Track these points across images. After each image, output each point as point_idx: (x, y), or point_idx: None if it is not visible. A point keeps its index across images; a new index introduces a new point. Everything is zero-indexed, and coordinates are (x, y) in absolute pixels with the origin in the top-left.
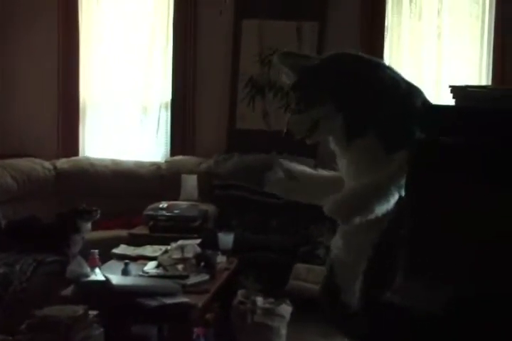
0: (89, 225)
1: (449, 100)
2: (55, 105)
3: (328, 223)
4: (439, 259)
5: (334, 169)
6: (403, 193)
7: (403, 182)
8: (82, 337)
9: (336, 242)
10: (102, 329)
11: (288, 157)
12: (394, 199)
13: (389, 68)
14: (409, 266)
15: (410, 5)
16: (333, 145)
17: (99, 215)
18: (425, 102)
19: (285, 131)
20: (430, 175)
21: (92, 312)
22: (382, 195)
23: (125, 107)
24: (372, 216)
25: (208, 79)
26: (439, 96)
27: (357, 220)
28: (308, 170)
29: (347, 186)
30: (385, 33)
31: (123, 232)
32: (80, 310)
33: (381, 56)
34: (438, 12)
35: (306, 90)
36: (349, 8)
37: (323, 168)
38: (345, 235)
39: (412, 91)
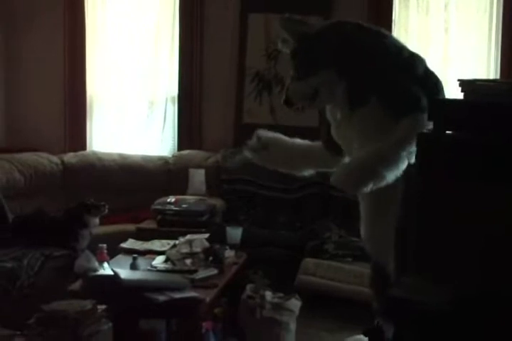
0: (96, 220)
1: (456, 94)
2: (62, 100)
3: (335, 218)
4: (445, 254)
5: None
6: (412, 160)
7: (413, 148)
8: (91, 332)
9: (363, 223)
10: (110, 324)
11: None
12: (404, 164)
13: (390, 36)
14: (416, 260)
15: None
16: (329, 115)
17: (107, 210)
18: (427, 70)
19: (284, 98)
20: (437, 171)
21: (101, 307)
22: (391, 160)
23: (132, 102)
24: (383, 183)
25: (214, 74)
26: (446, 90)
27: (367, 189)
28: (283, 138)
29: (354, 155)
30: (393, 27)
31: (131, 227)
32: (88, 304)
33: None
34: (445, 6)
35: (306, 56)
36: (355, 1)
37: None
38: (367, 211)
39: (414, 59)
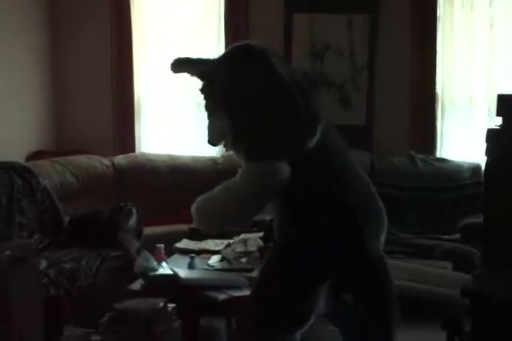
0: (132, 222)
1: (503, 90)
2: (110, 102)
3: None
4: None
5: (390, 162)
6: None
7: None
8: (163, 330)
9: None
10: (180, 322)
11: None
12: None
13: (281, 67)
14: (488, 253)
15: None
16: None
17: (137, 213)
18: (310, 106)
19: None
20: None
21: (171, 305)
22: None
23: (180, 103)
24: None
25: None
26: (492, 86)
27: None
28: None
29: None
30: (437, 24)
31: (183, 227)
32: (159, 302)
33: (433, 47)
34: (490, 2)
35: (205, 96)
36: None
37: (380, 161)
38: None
39: (294, 91)
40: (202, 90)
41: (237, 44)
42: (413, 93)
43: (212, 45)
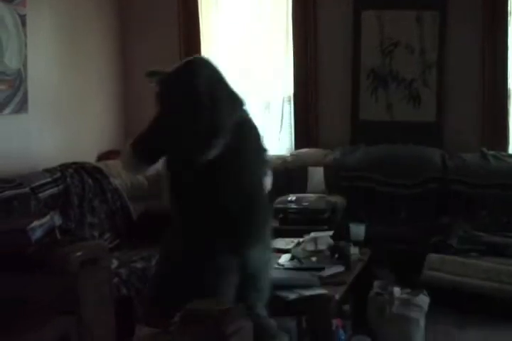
0: None
1: None
2: None
3: (456, 213)
4: None
5: (462, 159)
6: None
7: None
8: (234, 329)
9: None
10: (251, 321)
11: (413, 147)
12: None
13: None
14: None
15: None
16: None
17: None
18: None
19: None
20: None
21: (241, 304)
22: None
23: (249, 103)
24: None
25: (329, 72)
26: None
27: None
28: None
29: None
30: (508, 19)
31: None
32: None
33: (505, 42)
34: None
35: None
36: None
37: (451, 158)
38: None
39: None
40: (155, 96)
41: (188, 58)
42: (484, 89)
43: (280, 44)
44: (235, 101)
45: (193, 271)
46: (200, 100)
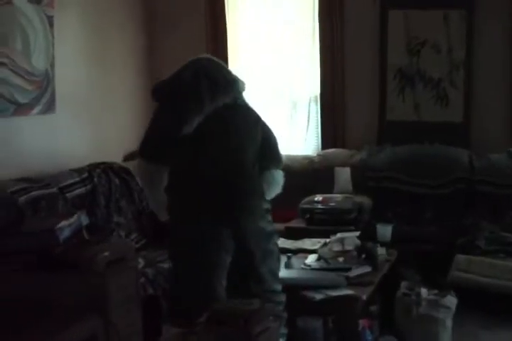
0: None
1: None
2: None
3: (483, 213)
4: None
5: (489, 159)
6: None
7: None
8: (260, 330)
9: None
10: (278, 322)
11: (440, 147)
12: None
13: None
14: None
15: None
16: None
17: None
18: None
19: None
20: None
21: (268, 305)
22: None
23: (275, 103)
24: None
25: (356, 72)
26: None
27: None
28: None
29: None
30: None
31: (279, 226)
32: (256, 302)
33: None
34: None
35: None
36: None
37: (479, 158)
38: None
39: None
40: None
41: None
42: None
43: (307, 44)
44: (226, 88)
45: (178, 237)
46: (181, 86)
